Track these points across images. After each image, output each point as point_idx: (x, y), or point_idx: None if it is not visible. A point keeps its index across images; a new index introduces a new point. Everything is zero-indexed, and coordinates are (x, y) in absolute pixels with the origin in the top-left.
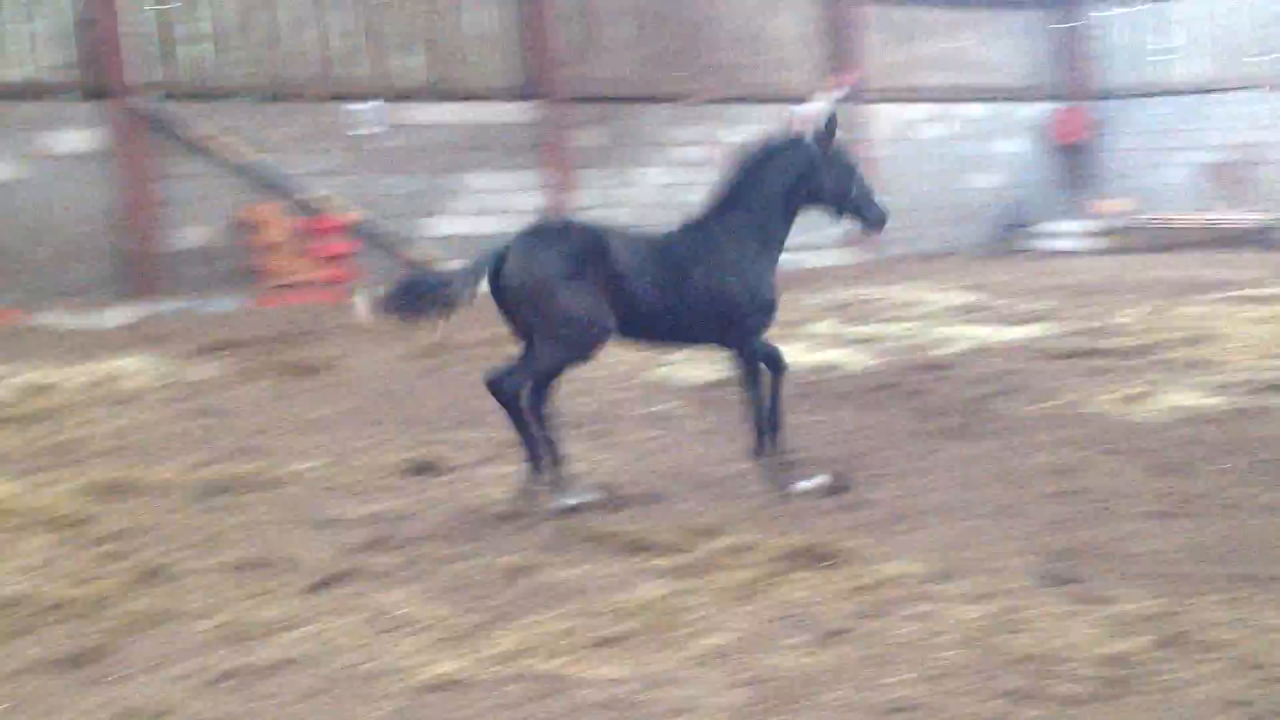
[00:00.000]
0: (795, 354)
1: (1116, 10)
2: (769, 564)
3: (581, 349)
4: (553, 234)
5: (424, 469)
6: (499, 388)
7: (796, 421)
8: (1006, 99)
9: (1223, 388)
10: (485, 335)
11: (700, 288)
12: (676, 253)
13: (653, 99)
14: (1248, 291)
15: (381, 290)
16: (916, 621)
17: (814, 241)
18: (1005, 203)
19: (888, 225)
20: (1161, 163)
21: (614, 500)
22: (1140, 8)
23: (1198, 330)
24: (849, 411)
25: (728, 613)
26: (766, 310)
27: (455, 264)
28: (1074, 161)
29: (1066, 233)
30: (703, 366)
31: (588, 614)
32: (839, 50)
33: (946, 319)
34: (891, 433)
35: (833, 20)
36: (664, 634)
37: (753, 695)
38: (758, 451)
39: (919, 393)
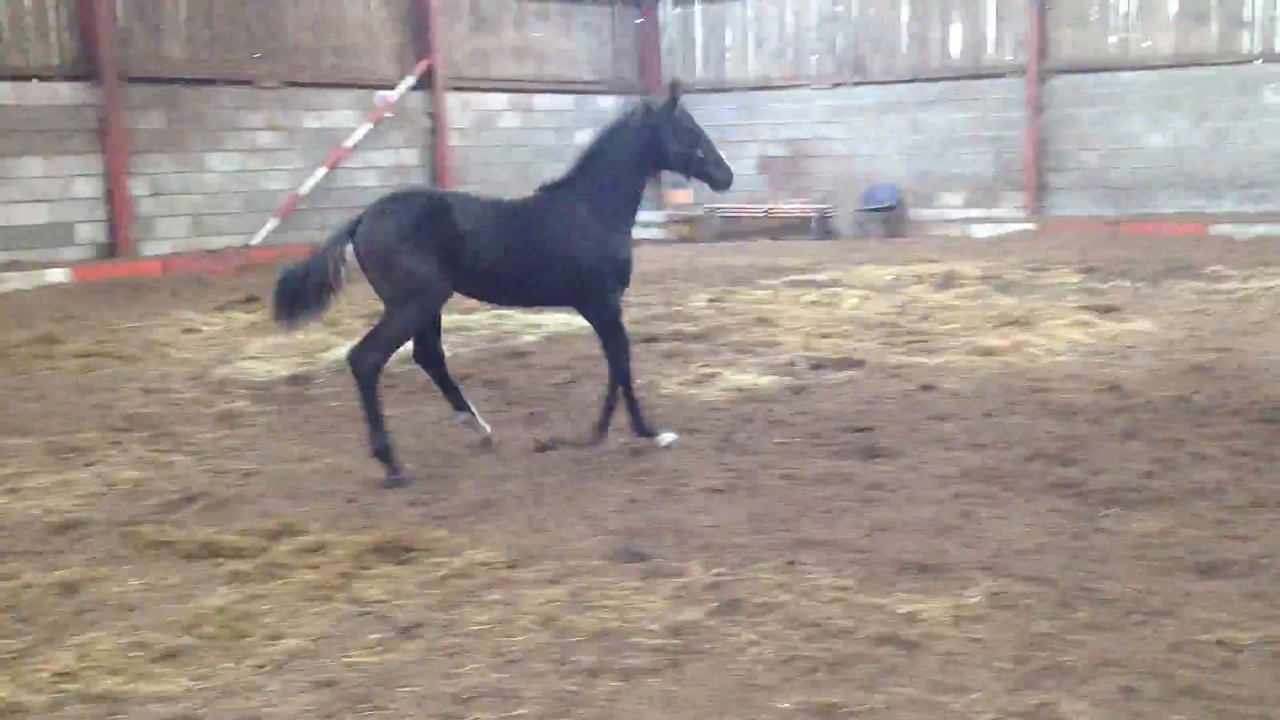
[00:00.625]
0: None
1: (683, 8)
2: (344, 562)
3: (424, 309)
4: (398, 202)
5: None
6: (357, 365)
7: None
8: (586, 91)
9: (779, 367)
10: (29, 336)
11: (553, 250)
12: (529, 217)
13: (221, 81)
14: (802, 277)
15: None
16: (492, 609)
17: None
18: None
19: (733, 185)
20: (726, 156)
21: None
22: (704, 6)
23: (758, 314)
24: (431, 403)
25: (301, 615)
26: (622, 270)
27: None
28: None
29: (640, 223)
30: (275, 362)
31: (150, 627)
32: (417, 37)
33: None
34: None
35: (411, 6)
36: (233, 642)
37: (326, 698)
38: (632, 419)
39: (498, 381)
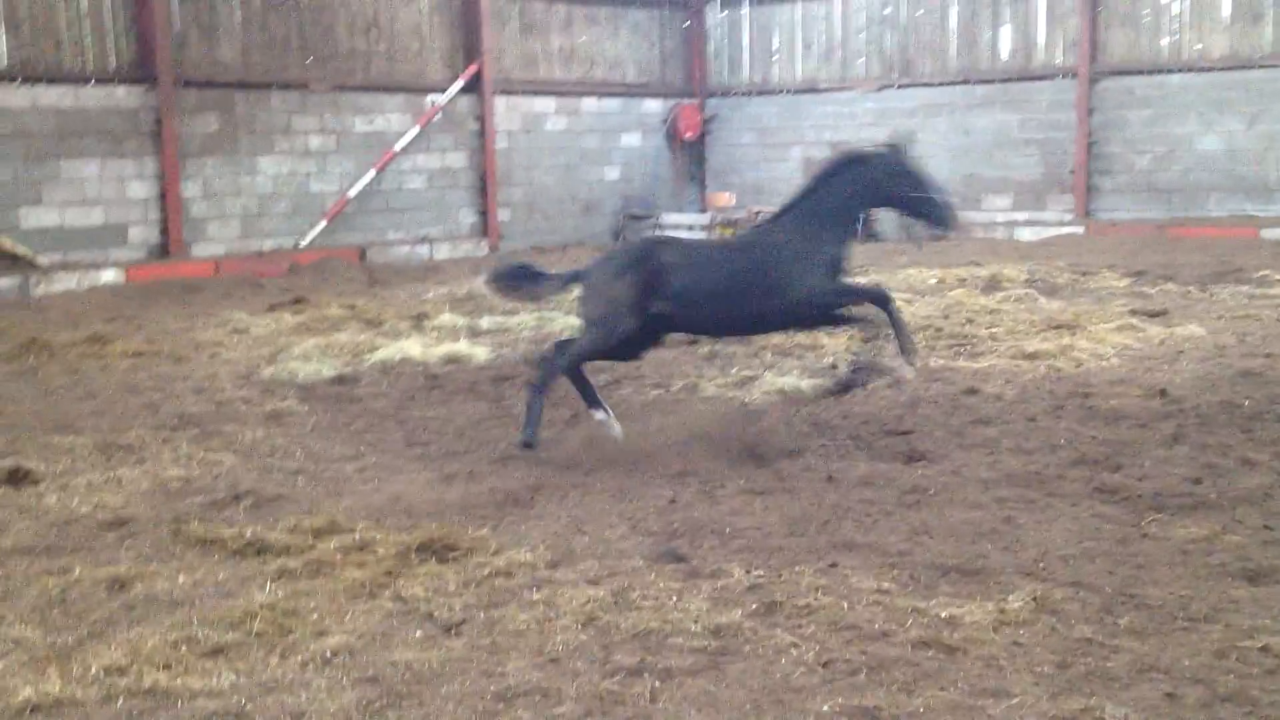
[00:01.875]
0: (418, 347)
1: (730, 10)
2: (388, 561)
3: (608, 335)
4: (623, 248)
5: (15, 477)
6: (542, 365)
7: (429, 414)
8: (631, 94)
9: (821, 370)
10: (81, 336)
11: (768, 284)
12: (743, 255)
13: (273, 85)
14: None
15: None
16: (533, 608)
17: (440, 234)
18: (627, 196)
19: (955, 227)
20: (768, 158)
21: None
22: (751, 9)
23: None
24: (474, 403)
25: (346, 612)
26: (835, 299)
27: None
28: (689, 156)
29: (683, 225)
30: (322, 363)
31: (197, 623)
32: (466, 41)
33: (568, 309)
34: (515, 422)
35: (460, 11)
36: (279, 639)
37: (369, 694)
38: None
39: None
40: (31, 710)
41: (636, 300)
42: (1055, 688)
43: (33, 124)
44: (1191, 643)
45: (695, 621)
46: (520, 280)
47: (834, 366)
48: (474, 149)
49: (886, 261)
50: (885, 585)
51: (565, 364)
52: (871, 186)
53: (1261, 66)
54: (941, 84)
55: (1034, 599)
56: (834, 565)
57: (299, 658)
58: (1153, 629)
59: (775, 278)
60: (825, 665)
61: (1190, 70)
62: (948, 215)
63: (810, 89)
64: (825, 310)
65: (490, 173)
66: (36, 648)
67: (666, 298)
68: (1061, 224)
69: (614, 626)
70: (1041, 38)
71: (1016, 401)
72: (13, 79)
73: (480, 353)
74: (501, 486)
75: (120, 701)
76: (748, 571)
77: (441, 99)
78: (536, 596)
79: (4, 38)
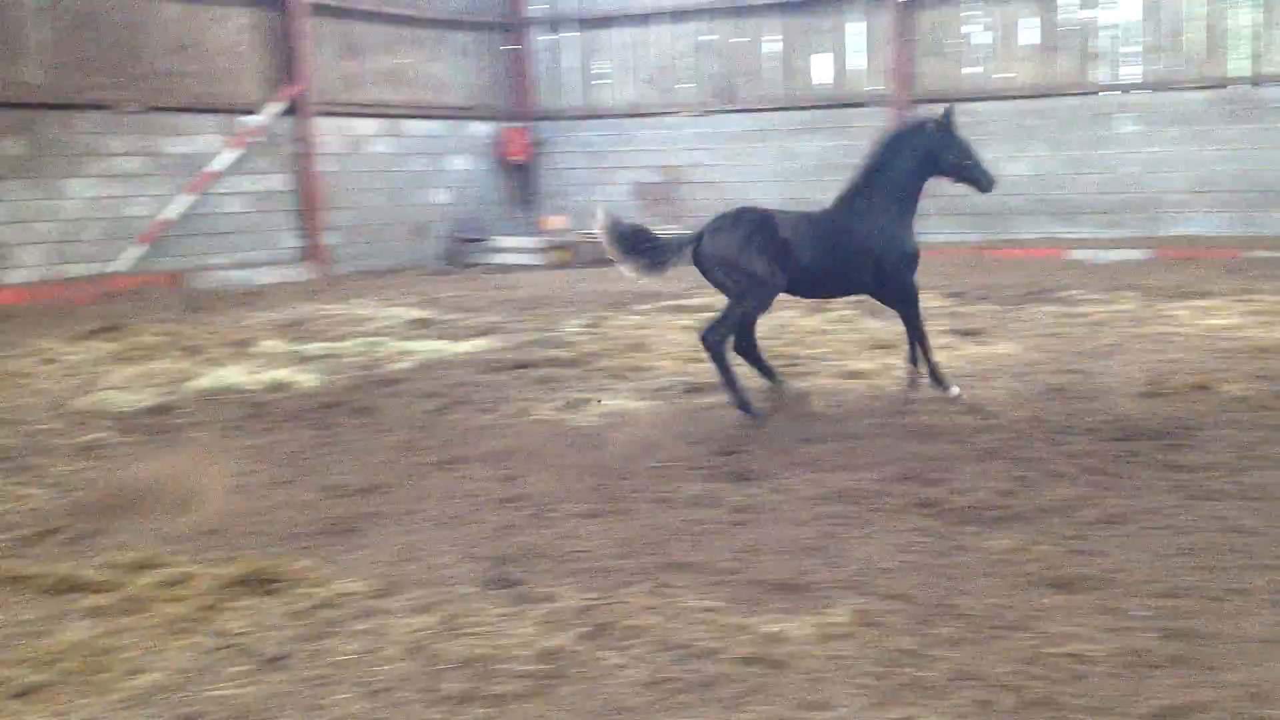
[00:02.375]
0: (242, 374)
1: (557, 35)
2: (208, 594)
3: (760, 301)
4: (730, 219)
5: None
6: (708, 341)
7: (252, 443)
8: (457, 117)
9: (653, 391)
10: None
11: (857, 249)
12: (834, 223)
13: (81, 106)
14: (677, 302)
15: (617, 221)
16: (360, 639)
17: (260, 259)
18: (457, 219)
19: (996, 187)
20: (598, 181)
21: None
22: (576, 34)
23: (632, 339)
24: (299, 430)
25: (163, 649)
26: (913, 259)
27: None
28: (520, 179)
29: (515, 248)
30: (139, 392)
31: (6, 663)
32: (285, 62)
33: (398, 335)
34: (343, 449)
35: (277, 32)
36: (93, 677)
37: None
38: (931, 374)
39: (370, 409)
40: None
41: (775, 265)
42: (875, 698)
43: None
44: (1003, 650)
45: (525, 646)
46: (640, 244)
47: (666, 389)
48: (296, 171)
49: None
50: (713, 603)
51: (725, 333)
52: (930, 156)
53: (1063, 95)
54: (764, 109)
55: (855, 612)
56: (664, 585)
57: (113, 697)
58: (967, 638)
59: (869, 244)
60: (654, 685)
61: (997, 98)
62: (991, 180)
63: (638, 113)
64: (905, 279)
65: (314, 196)
66: None
67: (787, 264)
68: None
69: (442, 655)
70: (858, 65)
71: (840, 420)
72: None
73: (307, 379)
74: (329, 515)
75: None
76: (578, 594)
77: (260, 120)
78: (363, 627)
79: None
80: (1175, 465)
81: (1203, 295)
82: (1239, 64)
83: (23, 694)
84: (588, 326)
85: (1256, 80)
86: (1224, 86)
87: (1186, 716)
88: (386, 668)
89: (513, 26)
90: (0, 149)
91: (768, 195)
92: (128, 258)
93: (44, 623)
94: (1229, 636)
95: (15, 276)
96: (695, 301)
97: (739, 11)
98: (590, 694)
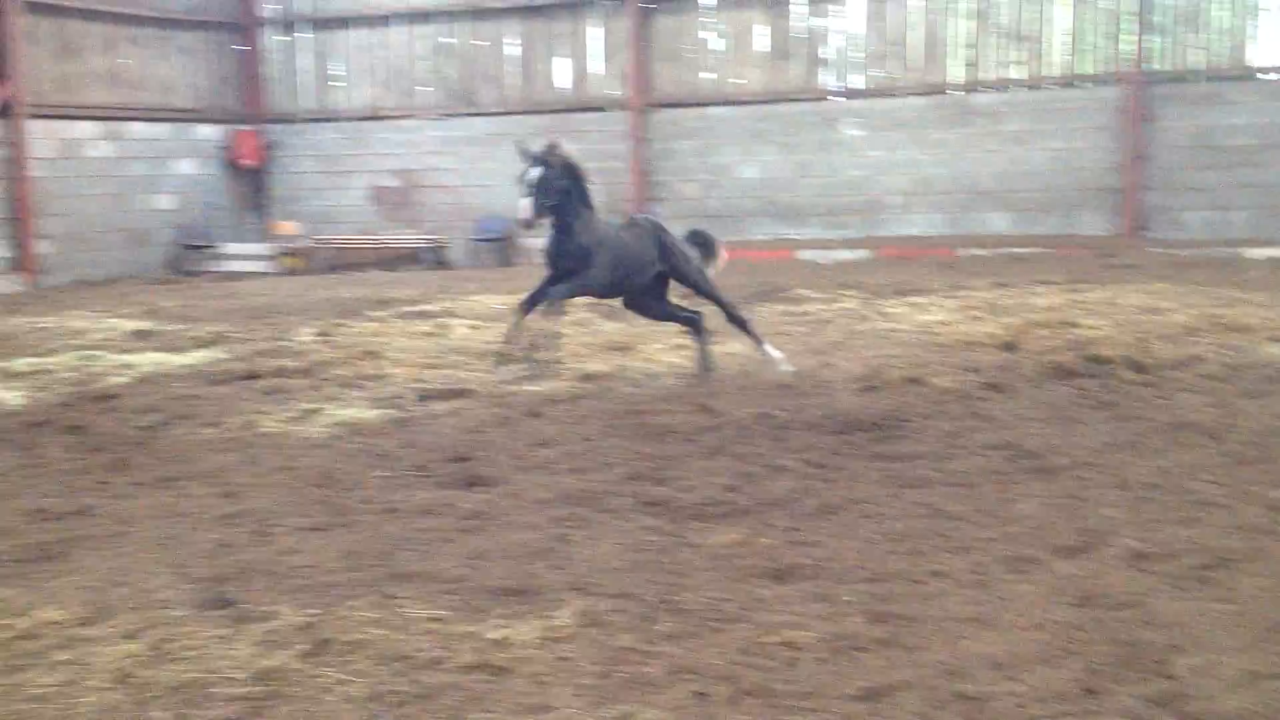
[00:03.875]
0: None
1: (291, 35)
2: None
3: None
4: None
5: None
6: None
7: None
8: (183, 119)
9: (385, 400)
10: None
11: None
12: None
13: None
14: (411, 308)
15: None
16: (61, 670)
17: None
18: (182, 225)
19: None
20: (334, 186)
21: None
22: (311, 35)
23: (365, 347)
24: (3, 452)
25: None
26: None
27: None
28: (251, 184)
29: (244, 255)
30: None
31: None
32: None
33: (117, 348)
34: (50, 471)
35: None
36: None
37: None
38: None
39: (80, 427)
40: None
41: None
42: (597, 698)
43: None
44: (721, 643)
45: (240, 668)
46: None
47: (400, 396)
48: (5, 178)
49: (454, 288)
50: (439, 612)
51: None
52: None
53: (791, 100)
54: (503, 113)
55: (580, 613)
56: (389, 597)
57: None
58: (688, 632)
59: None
60: (374, 699)
61: (730, 103)
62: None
63: (374, 116)
64: None
65: (24, 202)
66: None
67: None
68: None
69: (150, 682)
70: (596, 70)
71: (574, 423)
72: None
73: (11, 397)
74: (32, 541)
75: None
76: (299, 611)
77: None
78: (65, 657)
79: None
80: (887, 455)
81: (918, 292)
82: (955, 71)
83: None
84: (319, 335)
85: (970, 87)
86: (942, 93)
87: (890, 696)
88: (90, 699)
89: (244, 26)
90: None
91: (507, 200)
92: None
93: None
94: (931, 617)
95: None
96: (433, 306)
97: (479, 14)
98: (306, 713)
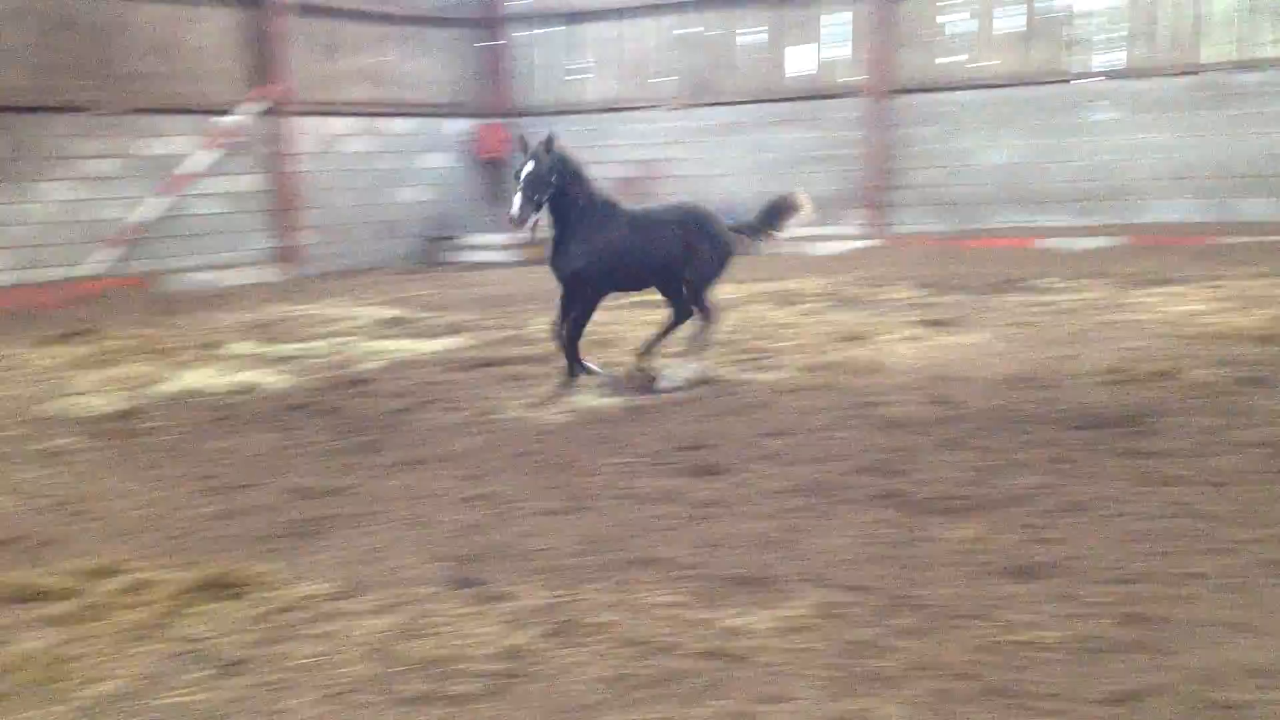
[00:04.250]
0: (210, 377)
1: (534, 31)
2: (169, 600)
3: None
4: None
5: None
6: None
7: (218, 446)
8: (432, 114)
9: (621, 387)
10: None
11: None
12: None
13: (55, 109)
14: (640, 296)
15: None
16: (320, 642)
17: (234, 260)
18: (430, 217)
19: None
20: None
21: None
22: (554, 29)
23: (599, 336)
24: (265, 433)
25: (122, 656)
26: None
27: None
28: (495, 177)
29: (488, 246)
30: (104, 397)
31: None
32: (261, 62)
33: (369, 335)
34: (307, 451)
35: (254, 32)
36: (50, 686)
37: None
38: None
39: (336, 410)
40: None
41: None
42: (833, 690)
43: None
44: (960, 640)
45: (486, 646)
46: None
47: (633, 379)
48: (271, 172)
49: None
50: (676, 599)
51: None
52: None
53: (1038, 83)
54: (740, 102)
55: (816, 605)
56: (627, 581)
57: (72, 706)
58: (926, 628)
59: None
60: (614, 681)
61: (974, 87)
62: None
63: (615, 108)
64: None
65: (288, 196)
66: None
67: None
68: (857, 238)
69: (403, 656)
70: (836, 56)
71: (806, 413)
72: None
73: (275, 381)
74: (292, 518)
75: None
76: (542, 592)
77: (237, 120)
78: (324, 629)
79: None
80: (1136, 451)
81: (1171, 282)
82: (1215, 50)
83: None
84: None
85: (1232, 67)
86: (1200, 73)
87: (1140, 700)
88: (346, 670)
89: (491, 23)
90: None
91: (742, 189)
92: (99, 261)
93: (2, 632)
94: (1184, 621)
95: None
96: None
97: (719, 4)
98: (550, 692)
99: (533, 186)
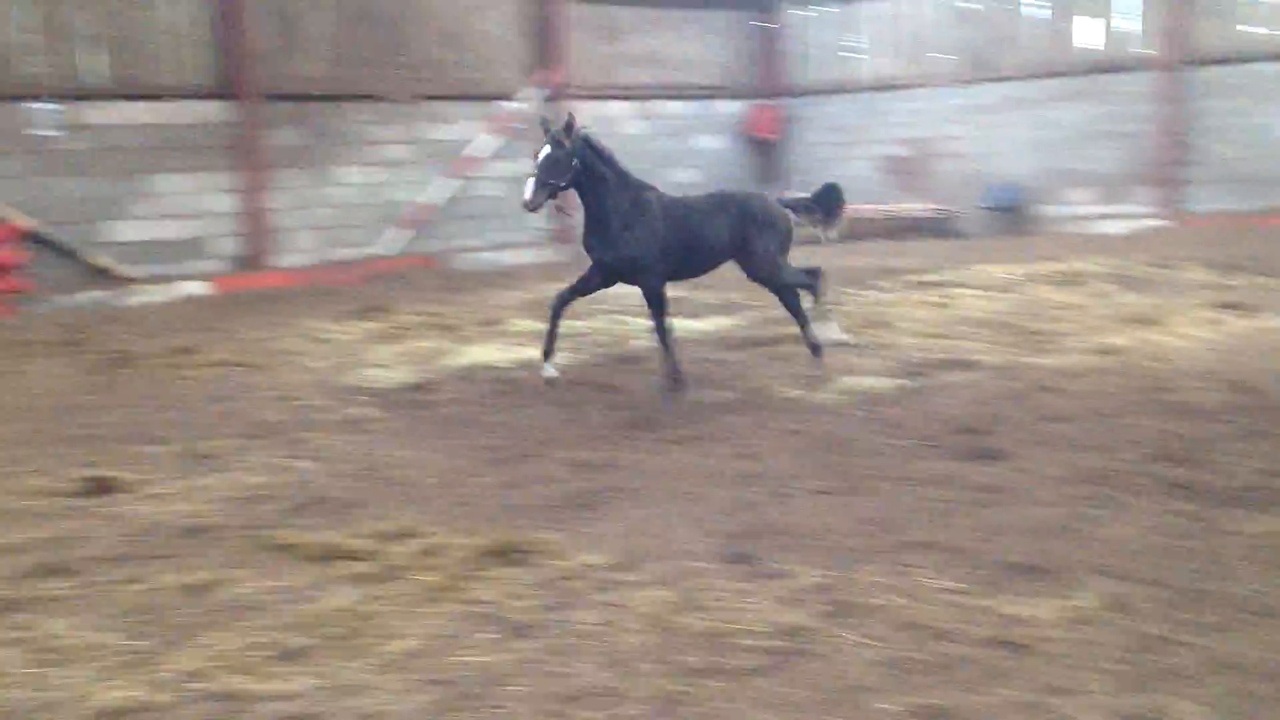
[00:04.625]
0: (494, 352)
1: (809, 10)
2: (460, 564)
3: None
4: None
5: (100, 488)
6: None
7: (503, 419)
8: (706, 96)
9: (893, 369)
10: (165, 347)
11: None
12: None
13: (352, 97)
14: (920, 277)
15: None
16: (601, 610)
17: (513, 240)
18: None
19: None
20: (844, 157)
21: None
22: (831, 9)
23: (872, 316)
24: (547, 406)
25: (417, 616)
26: None
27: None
28: (768, 157)
29: None
30: (398, 369)
31: (272, 627)
32: (543, 48)
33: (643, 313)
34: (586, 425)
35: (537, 18)
36: (351, 642)
37: (439, 696)
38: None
39: (611, 387)
40: (113, 714)
41: None
42: (1124, 684)
43: (125, 139)
44: (1263, 638)
45: (762, 622)
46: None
47: (905, 364)
48: None
49: (963, 258)
50: (955, 584)
51: None
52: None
53: None
54: (1023, 78)
55: (1104, 596)
56: (904, 565)
57: (372, 660)
58: (1224, 624)
59: None
60: (892, 664)
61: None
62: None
63: (890, 86)
64: None
65: None
66: (118, 653)
67: None
68: (1146, 217)
69: (681, 628)
70: (1127, 27)
71: (1091, 397)
72: (110, 96)
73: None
74: (572, 490)
75: (198, 705)
76: (817, 572)
77: (520, 105)
78: (604, 599)
79: (106, 57)
80: None
81: None
82: None
83: (289, 656)
84: (829, 303)
85: None
86: None
87: None
88: (627, 639)
89: (766, 4)
90: (282, 139)
91: (1023, 167)
92: (392, 241)
93: (308, 589)
94: None
95: (289, 260)
96: (941, 276)
97: None
98: (828, 672)
99: (548, 171)
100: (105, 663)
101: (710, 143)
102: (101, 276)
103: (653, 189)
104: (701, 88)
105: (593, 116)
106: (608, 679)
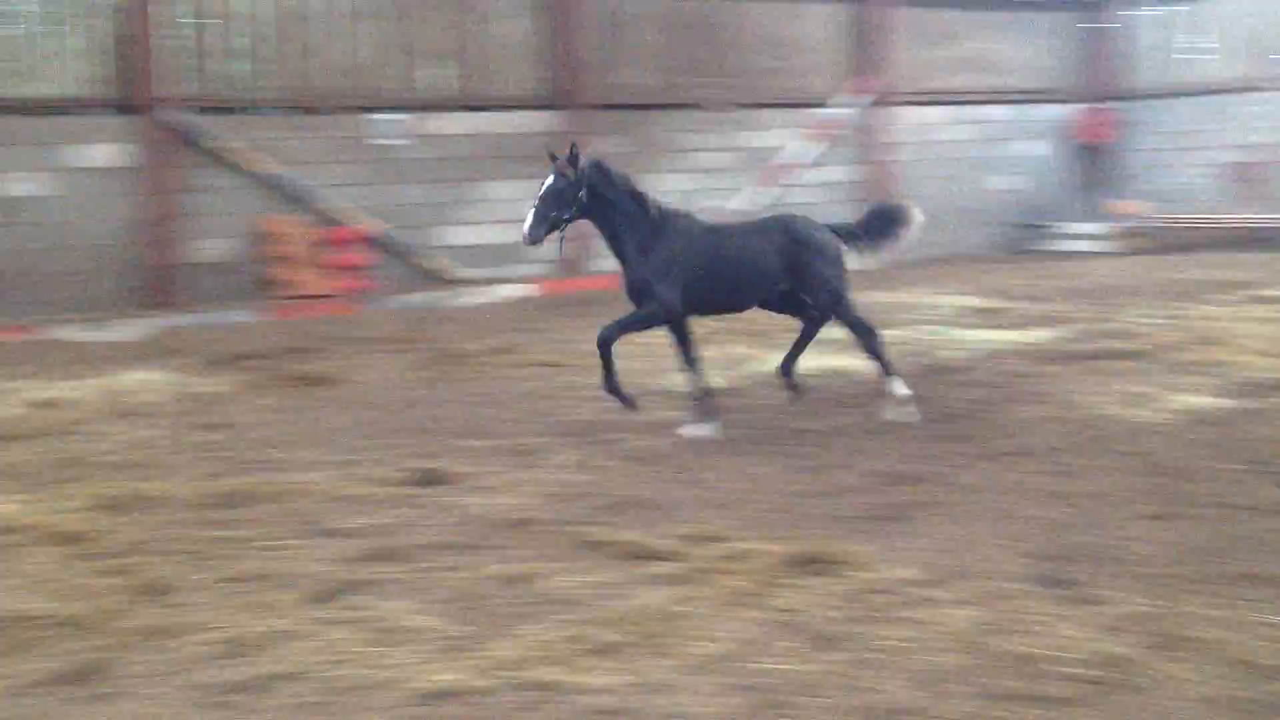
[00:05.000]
0: (805, 361)
1: (1146, 10)
2: (766, 571)
3: None
4: None
5: (430, 479)
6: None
7: (810, 427)
8: (1027, 100)
9: (1227, 388)
10: (490, 346)
11: None
12: None
13: (675, 105)
14: (1258, 292)
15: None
16: (910, 626)
17: None
18: (1020, 205)
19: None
20: (1178, 163)
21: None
22: (1173, 8)
23: (1206, 332)
24: (851, 416)
25: (724, 619)
26: None
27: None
28: (1094, 162)
29: (1083, 234)
30: (710, 375)
31: (586, 622)
32: (863, 54)
33: (957, 322)
34: (895, 437)
35: (859, 24)
36: (660, 641)
37: (744, 702)
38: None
39: (924, 397)
40: (436, 696)
41: None
42: None
43: (461, 148)
44: None
45: (1078, 649)
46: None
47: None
48: (862, 162)
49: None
50: None
51: None
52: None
53: None
54: None
55: None
56: (1233, 597)
57: (680, 661)
58: None
59: None
60: (1221, 703)
61: None
62: None
63: (1229, 89)
64: None
65: (882, 186)
66: (442, 637)
67: None
68: None
69: (994, 650)
70: None
71: None
72: (449, 108)
73: (858, 364)
74: (880, 502)
75: (516, 694)
76: (1138, 600)
77: (837, 112)
78: (912, 614)
79: (446, 70)
80: None
81: None
82: None
83: (600, 651)
84: (1156, 316)
85: None
86: None
87: None
88: (936, 658)
89: (1095, 5)
90: (608, 147)
91: None
92: None
93: (617, 587)
94: None
95: (608, 264)
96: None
97: None
98: (1149, 706)
99: (549, 204)
100: (430, 646)
101: (1030, 148)
102: (434, 278)
103: (684, 216)
104: (1024, 91)
105: (910, 122)
106: (918, 698)
